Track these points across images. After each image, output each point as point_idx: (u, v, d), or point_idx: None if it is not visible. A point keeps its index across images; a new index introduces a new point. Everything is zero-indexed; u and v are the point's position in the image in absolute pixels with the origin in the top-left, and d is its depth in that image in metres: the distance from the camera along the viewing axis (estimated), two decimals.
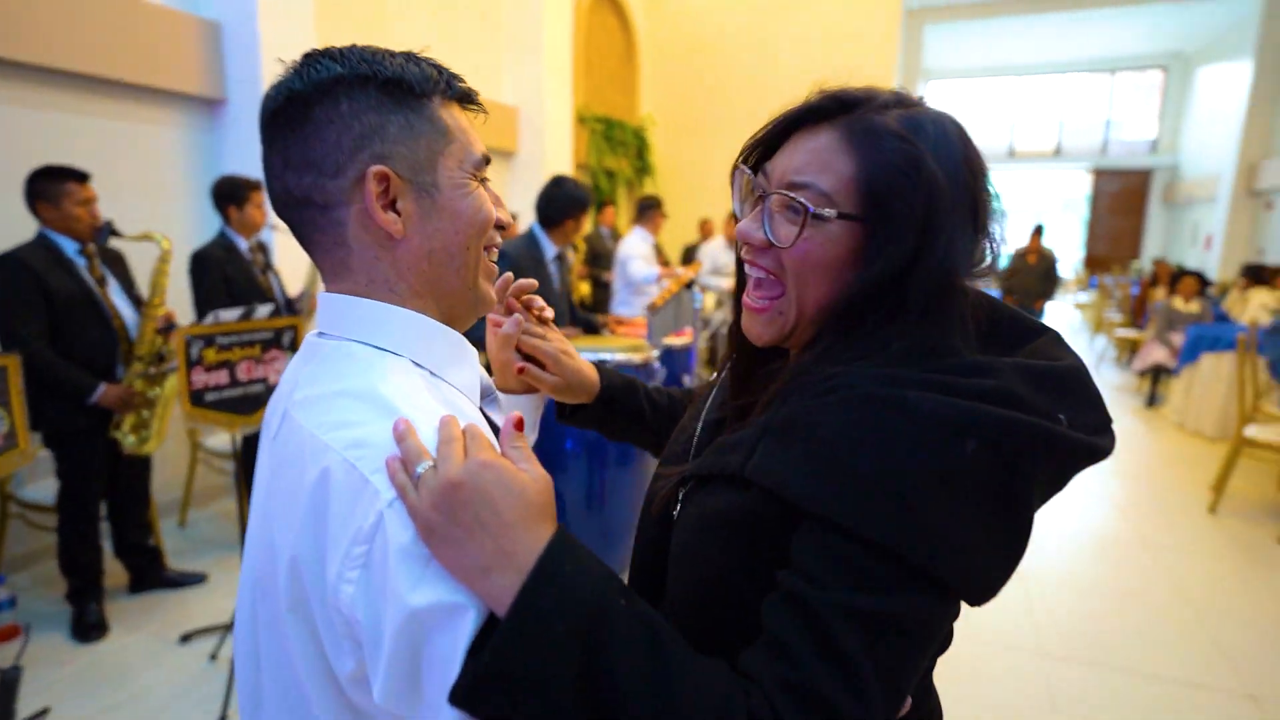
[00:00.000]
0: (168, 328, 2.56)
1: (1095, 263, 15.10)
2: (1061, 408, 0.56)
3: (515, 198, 6.02)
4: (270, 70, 0.52)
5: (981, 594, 0.53)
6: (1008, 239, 0.63)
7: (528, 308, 0.84)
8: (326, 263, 0.63)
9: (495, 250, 0.68)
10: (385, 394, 0.56)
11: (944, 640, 0.66)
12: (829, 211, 0.59)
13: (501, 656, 0.46)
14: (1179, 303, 6.13)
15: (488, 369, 0.81)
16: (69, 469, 2.43)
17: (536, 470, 0.53)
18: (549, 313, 0.85)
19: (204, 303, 2.79)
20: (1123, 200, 15.22)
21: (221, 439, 3.23)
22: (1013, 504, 0.53)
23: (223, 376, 2.29)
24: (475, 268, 0.65)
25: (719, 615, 0.61)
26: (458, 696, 0.47)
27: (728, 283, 6.01)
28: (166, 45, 3.17)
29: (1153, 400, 6.33)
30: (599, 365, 0.92)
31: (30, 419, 2.14)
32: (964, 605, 0.56)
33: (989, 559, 0.53)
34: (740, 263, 0.69)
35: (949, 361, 0.57)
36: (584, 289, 5.85)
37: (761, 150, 0.66)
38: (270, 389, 2.42)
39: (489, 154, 0.66)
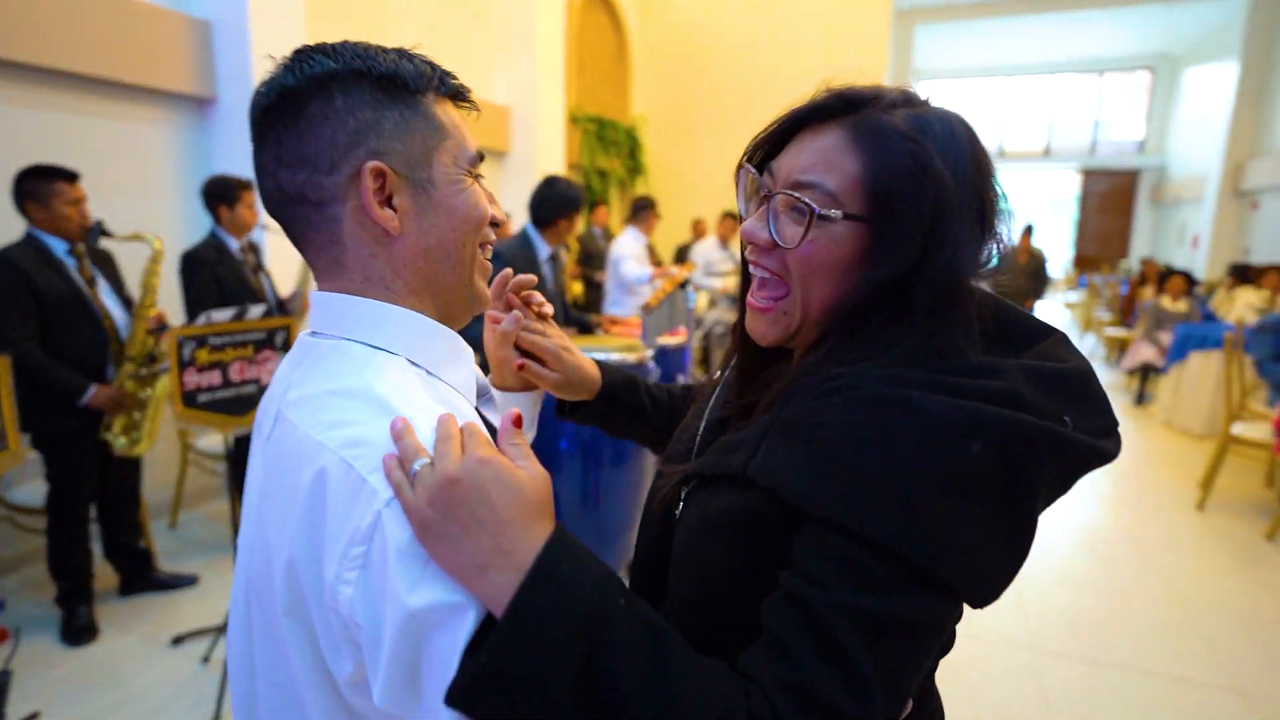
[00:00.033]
0: (160, 329, 2.54)
1: (1084, 262, 15.24)
2: (1067, 410, 0.55)
3: (508, 198, 6.01)
4: (261, 69, 0.52)
5: (984, 596, 0.53)
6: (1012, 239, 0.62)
7: (527, 303, 0.83)
8: (320, 261, 0.62)
9: (490, 248, 0.68)
10: (382, 393, 0.55)
11: (946, 642, 0.65)
12: (834, 212, 0.58)
13: (499, 656, 0.46)
14: (1167, 302, 6.18)
15: (483, 368, 0.81)
16: (59, 471, 2.41)
17: (535, 468, 0.53)
18: (548, 309, 0.84)
19: (195, 303, 2.77)
20: (1111, 200, 15.36)
21: (212, 440, 3.21)
22: (1017, 506, 0.53)
23: (215, 377, 2.28)
24: (471, 264, 0.65)
25: (720, 615, 0.60)
26: (454, 697, 0.46)
27: (719, 283, 6.02)
28: (156, 44, 3.15)
29: (1141, 398, 6.38)
30: (599, 361, 0.91)
31: (19, 420, 2.12)
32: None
33: (992, 561, 0.53)
34: (745, 262, 0.68)
35: (954, 362, 0.57)
36: (576, 289, 5.85)
37: (767, 149, 0.65)
38: (263, 390, 2.41)
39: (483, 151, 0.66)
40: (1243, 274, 6.78)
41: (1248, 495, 4.06)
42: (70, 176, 2.38)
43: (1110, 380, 7.45)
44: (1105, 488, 4.16)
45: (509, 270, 0.80)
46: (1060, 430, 0.53)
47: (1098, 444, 0.55)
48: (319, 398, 0.57)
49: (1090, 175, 15.49)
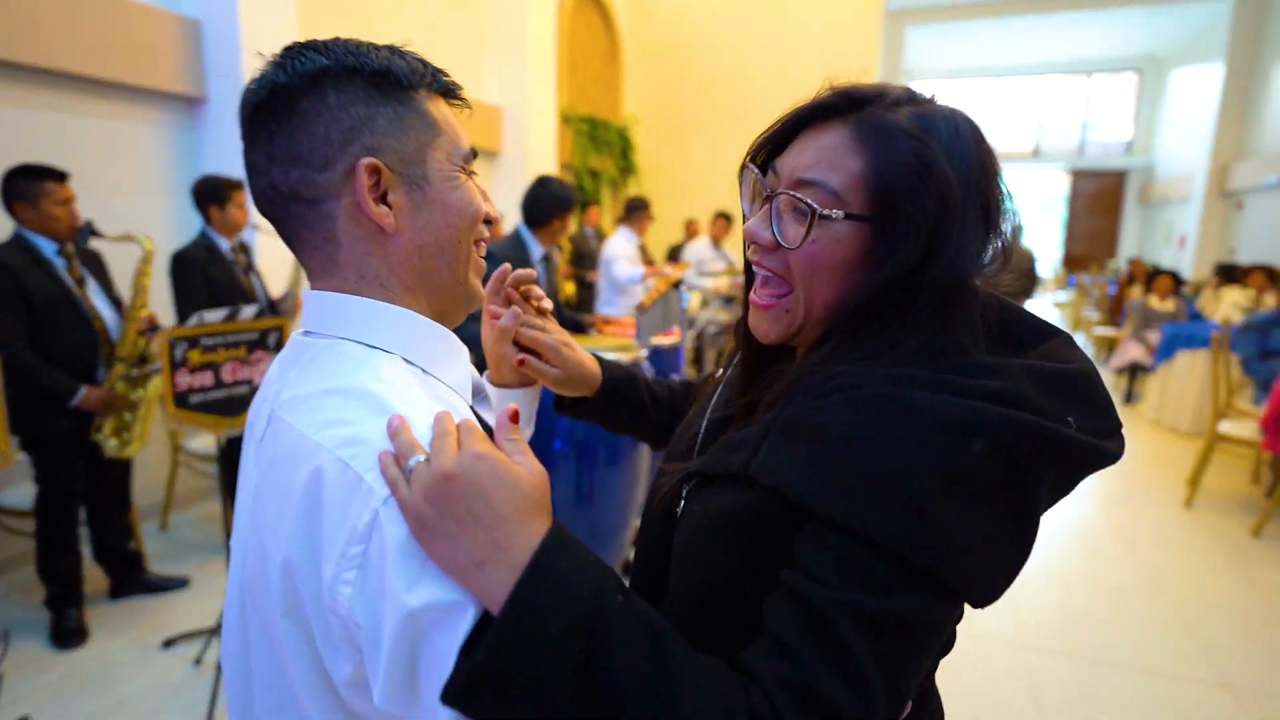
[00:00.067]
0: (151, 329, 2.52)
1: (1073, 262, 15.35)
2: (1070, 411, 0.55)
3: (500, 198, 5.99)
4: (251, 68, 0.52)
5: (985, 596, 0.53)
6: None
7: (526, 299, 0.82)
8: (314, 259, 0.62)
9: (484, 245, 0.67)
10: (378, 391, 0.55)
11: (947, 642, 0.65)
12: (836, 213, 0.57)
13: (496, 654, 0.45)
14: (1155, 301, 6.24)
15: (478, 367, 0.80)
16: (48, 473, 2.39)
17: (532, 463, 0.52)
18: (547, 304, 0.84)
19: (185, 304, 2.75)
20: (1099, 200, 15.50)
21: (203, 441, 3.18)
22: (1019, 506, 0.53)
23: (207, 378, 2.26)
24: (466, 261, 0.65)
25: (721, 614, 0.60)
26: (450, 695, 0.46)
27: (712, 283, 6.03)
28: (146, 42, 3.12)
29: (1130, 397, 6.44)
30: (599, 357, 0.91)
31: (8, 422, 2.10)
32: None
33: (994, 561, 0.53)
34: (748, 260, 0.68)
35: (957, 362, 0.56)
36: (569, 289, 5.84)
37: (770, 148, 0.65)
38: (256, 390, 2.40)
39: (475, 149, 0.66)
40: (1229, 273, 6.85)
41: (1234, 492, 4.11)
42: (59, 176, 2.36)
43: None
44: (1094, 485, 4.19)
45: (507, 265, 0.80)
46: (1063, 431, 0.52)
47: (1100, 445, 0.55)
48: (314, 397, 0.56)
49: (1079, 176, 15.62)
